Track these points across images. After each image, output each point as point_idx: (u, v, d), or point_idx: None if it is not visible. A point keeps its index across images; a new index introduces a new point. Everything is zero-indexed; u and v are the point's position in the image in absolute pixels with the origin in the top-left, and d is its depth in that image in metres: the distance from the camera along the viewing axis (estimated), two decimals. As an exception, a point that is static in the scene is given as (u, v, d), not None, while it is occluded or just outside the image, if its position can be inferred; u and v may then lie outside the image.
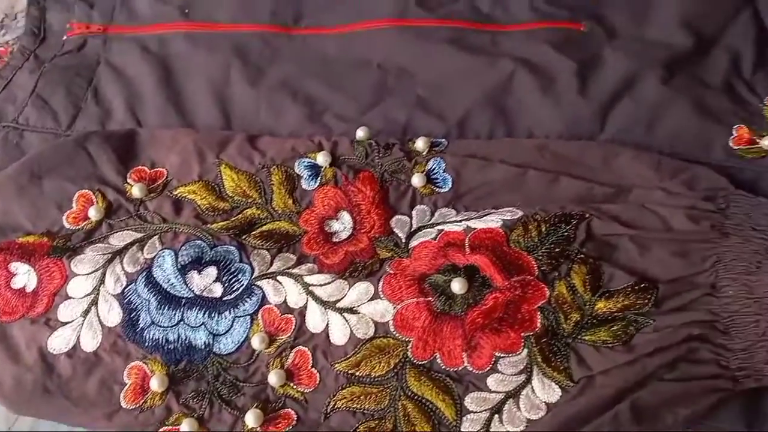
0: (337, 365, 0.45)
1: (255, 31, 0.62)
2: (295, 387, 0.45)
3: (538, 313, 0.45)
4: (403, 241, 0.49)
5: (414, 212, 0.51)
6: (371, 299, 0.46)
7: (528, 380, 0.43)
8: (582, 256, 0.46)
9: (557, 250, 0.46)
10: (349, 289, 0.46)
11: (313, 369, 0.45)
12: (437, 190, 0.52)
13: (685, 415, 0.43)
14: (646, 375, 0.42)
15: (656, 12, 0.61)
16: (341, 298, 0.46)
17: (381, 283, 0.46)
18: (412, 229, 0.50)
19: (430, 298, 0.45)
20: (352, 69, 0.60)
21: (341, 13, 0.63)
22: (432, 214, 0.51)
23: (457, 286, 0.45)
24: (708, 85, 0.56)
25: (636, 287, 0.45)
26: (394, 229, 0.50)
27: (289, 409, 0.44)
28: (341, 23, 0.62)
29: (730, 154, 0.53)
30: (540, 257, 0.46)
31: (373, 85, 0.59)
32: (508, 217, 0.48)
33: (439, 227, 0.49)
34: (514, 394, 0.43)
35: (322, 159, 0.52)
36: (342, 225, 0.50)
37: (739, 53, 0.58)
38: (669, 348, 0.43)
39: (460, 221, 0.49)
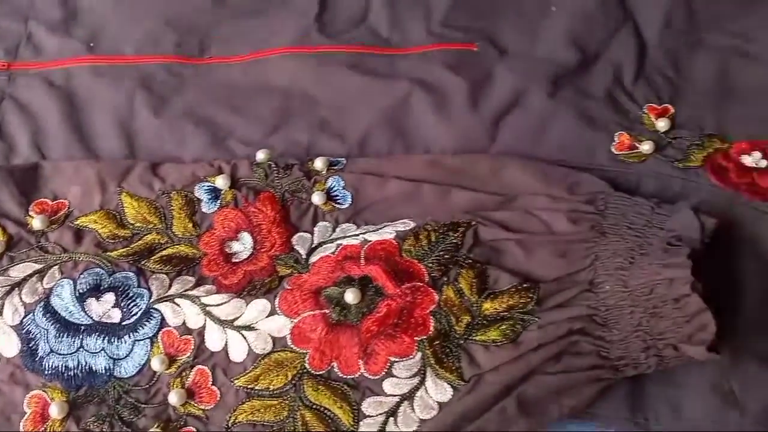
0: (236, 381, 0.46)
1: (160, 63, 0.64)
2: (196, 405, 0.45)
3: (431, 317, 0.47)
4: (304, 257, 0.51)
5: (316, 229, 0.53)
6: (268, 315, 0.47)
7: (422, 382, 0.45)
8: (470, 261, 0.48)
9: (446, 256, 0.49)
10: (246, 307, 0.48)
11: (214, 386, 0.46)
12: (338, 206, 0.53)
13: (570, 405, 0.45)
14: (531, 369, 0.44)
15: (545, 31, 0.65)
16: (239, 317, 0.47)
17: (277, 300, 0.48)
18: (313, 245, 0.52)
19: (325, 310, 0.47)
20: (256, 94, 0.62)
21: (246, 42, 0.65)
22: (333, 230, 0.53)
23: (351, 296, 0.47)
24: (591, 96, 0.60)
25: (519, 287, 0.47)
26: (296, 246, 0.52)
27: (191, 427, 0.45)
28: (246, 52, 0.65)
29: (613, 159, 0.57)
30: (430, 264, 0.48)
31: (277, 109, 0.61)
32: (401, 229, 0.51)
33: (339, 242, 0.51)
34: (408, 396, 0.45)
35: (221, 182, 0.53)
36: (242, 245, 0.52)
37: (621, 65, 0.62)
38: (552, 343, 0.45)
39: (358, 235, 0.51)
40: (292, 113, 0.61)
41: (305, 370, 0.46)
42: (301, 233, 0.52)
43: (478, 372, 0.45)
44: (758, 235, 0.53)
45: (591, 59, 0.63)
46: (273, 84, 0.63)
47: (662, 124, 0.58)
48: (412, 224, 0.51)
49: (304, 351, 0.46)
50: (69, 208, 0.53)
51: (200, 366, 0.46)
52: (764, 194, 0.54)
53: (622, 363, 0.45)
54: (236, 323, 0.47)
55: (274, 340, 0.47)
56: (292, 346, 0.46)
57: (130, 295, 0.48)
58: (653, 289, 0.45)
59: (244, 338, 0.46)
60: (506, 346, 0.45)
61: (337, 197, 0.54)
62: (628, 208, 0.51)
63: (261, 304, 0.48)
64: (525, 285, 0.47)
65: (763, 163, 0.55)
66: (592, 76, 0.62)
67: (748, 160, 0.56)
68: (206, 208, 0.53)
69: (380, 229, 0.51)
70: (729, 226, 0.53)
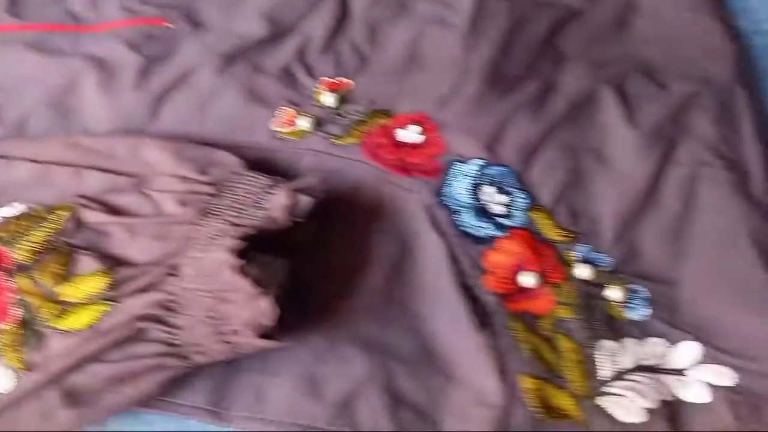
0: None
1: None
2: None
3: (13, 305, 0.45)
4: None
5: None
6: None
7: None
8: (61, 245, 0.46)
9: (38, 241, 0.46)
10: None
11: None
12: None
13: (131, 394, 0.42)
14: (84, 357, 0.42)
15: (245, 5, 0.62)
16: None
17: None
18: None
19: None
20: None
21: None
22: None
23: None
24: (265, 71, 0.58)
25: (100, 273, 0.45)
26: None
27: None
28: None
29: (273, 137, 0.54)
30: (20, 250, 0.46)
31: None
32: (5, 214, 0.48)
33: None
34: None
35: None
36: None
37: (311, 39, 0.60)
38: (119, 329, 0.43)
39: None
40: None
41: None
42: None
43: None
44: (397, 215, 0.50)
45: (282, 33, 0.60)
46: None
47: (330, 99, 0.55)
48: (21, 207, 0.49)
49: None
50: None
51: None
52: (410, 170, 0.51)
53: (192, 350, 0.43)
54: None
55: None
56: None
57: None
58: (219, 273, 0.43)
59: None
60: (82, 333, 0.43)
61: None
62: (246, 187, 0.48)
63: None
64: (104, 270, 0.45)
65: (419, 138, 0.53)
66: (274, 51, 0.59)
67: (402, 135, 0.53)
68: None
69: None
70: (377, 205, 0.51)
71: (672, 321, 0.47)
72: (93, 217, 0.48)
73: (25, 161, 0.51)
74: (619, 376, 0.46)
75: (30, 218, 0.48)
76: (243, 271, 0.41)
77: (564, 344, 0.47)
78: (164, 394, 0.44)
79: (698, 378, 0.46)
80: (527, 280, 0.48)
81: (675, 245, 0.50)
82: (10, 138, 0.55)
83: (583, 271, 0.49)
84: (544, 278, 0.48)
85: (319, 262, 0.49)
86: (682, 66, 0.58)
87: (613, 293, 0.48)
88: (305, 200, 0.46)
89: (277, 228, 0.45)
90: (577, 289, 0.48)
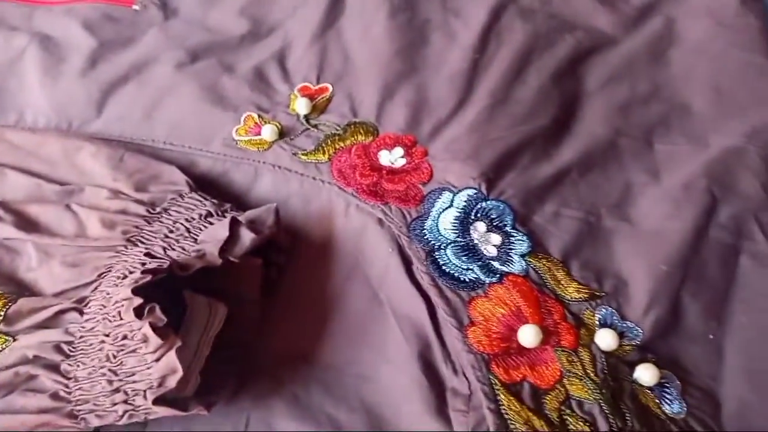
0: None
1: None
2: None
3: None
4: None
5: None
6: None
7: None
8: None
9: None
10: None
11: None
12: None
13: (7, 457, 0.35)
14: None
15: (224, -2, 0.54)
16: None
17: None
18: None
19: None
20: None
21: None
22: None
23: None
24: (234, 72, 0.50)
25: (5, 299, 0.37)
26: None
27: None
28: None
29: (231, 146, 0.46)
30: None
31: None
32: None
33: None
34: None
35: None
36: None
37: (293, 40, 0.51)
38: (5, 371, 0.35)
39: None
40: None
41: None
42: None
43: None
44: (365, 248, 0.42)
45: (262, 33, 0.52)
46: None
47: (302, 107, 0.47)
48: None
49: None
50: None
51: None
52: (382, 197, 0.43)
53: (86, 408, 0.35)
54: None
55: None
56: None
57: None
58: (123, 314, 0.34)
59: None
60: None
61: None
62: (185, 213, 0.40)
63: None
64: (3, 296, 0.37)
65: (400, 162, 0.44)
66: (249, 50, 0.51)
67: (384, 157, 0.44)
68: None
69: None
70: (341, 240, 0.43)
71: (714, 420, 0.36)
72: (4, 231, 0.40)
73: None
74: None
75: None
76: (149, 315, 0.33)
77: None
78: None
79: None
80: (528, 335, 0.36)
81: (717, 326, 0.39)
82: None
83: (606, 338, 0.37)
84: (550, 338, 0.37)
85: (266, 306, 0.40)
86: (725, 113, 0.47)
87: (647, 374, 0.36)
88: (247, 236, 0.37)
89: (208, 265, 0.36)
90: (597, 361, 0.37)
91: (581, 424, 0.35)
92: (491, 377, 0.36)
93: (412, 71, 0.49)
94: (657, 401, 0.36)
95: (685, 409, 0.36)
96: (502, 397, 0.35)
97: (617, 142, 0.46)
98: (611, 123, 0.47)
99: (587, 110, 0.48)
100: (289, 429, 0.37)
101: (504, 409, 0.35)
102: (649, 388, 0.36)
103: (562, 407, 0.35)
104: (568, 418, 0.35)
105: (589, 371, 0.36)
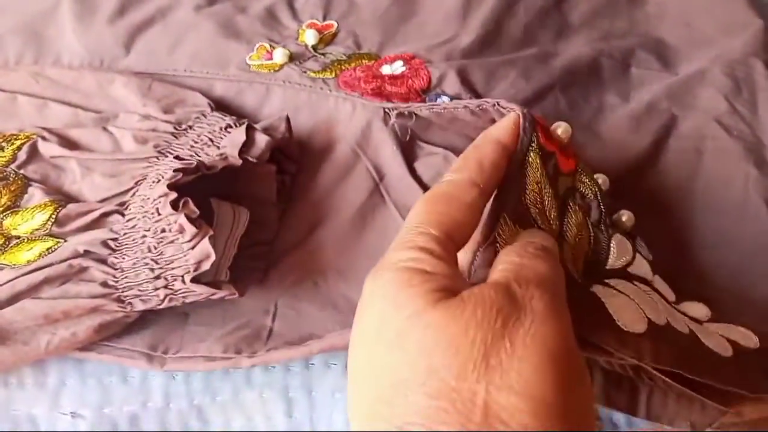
0: None
1: None
2: None
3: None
4: None
5: None
6: None
7: None
8: (15, 176, 0.44)
9: None
10: None
11: None
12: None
13: (65, 336, 0.40)
14: (16, 294, 0.40)
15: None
16: None
17: None
18: None
19: None
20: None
21: None
22: None
23: None
24: (246, 11, 0.55)
25: (48, 205, 0.43)
26: None
27: None
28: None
29: (245, 70, 0.51)
30: None
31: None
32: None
33: None
34: None
35: None
36: None
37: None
38: (56, 265, 0.41)
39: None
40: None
41: None
42: None
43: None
44: (368, 144, 0.47)
45: None
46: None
47: (310, 37, 0.51)
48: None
49: None
50: None
51: None
52: (389, 97, 0.47)
53: (131, 294, 0.40)
54: None
55: None
56: None
57: None
58: (161, 209, 0.40)
59: None
60: (22, 267, 0.41)
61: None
62: (207, 127, 0.45)
63: None
64: (51, 203, 0.43)
65: (400, 70, 0.49)
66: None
67: (385, 69, 0.50)
68: None
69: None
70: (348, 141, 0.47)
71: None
72: (49, 149, 0.46)
73: (-10, 89, 0.50)
74: (628, 276, 0.38)
75: (-5, 147, 0.46)
76: (184, 208, 0.38)
77: (574, 216, 0.37)
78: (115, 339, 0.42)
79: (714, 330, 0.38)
80: (561, 129, 0.38)
81: (679, 213, 0.45)
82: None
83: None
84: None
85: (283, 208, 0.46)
86: (695, 44, 0.52)
87: (625, 216, 0.41)
88: (262, 139, 0.42)
89: (229, 165, 0.41)
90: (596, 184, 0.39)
91: (577, 211, 0.37)
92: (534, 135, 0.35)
93: (411, 14, 0.54)
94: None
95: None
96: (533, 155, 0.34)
97: (599, 61, 0.51)
98: (595, 46, 0.52)
99: (573, 38, 0.53)
100: (312, 312, 0.42)
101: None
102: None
103: (568, 192, 0.37)
104: (570, 203, 0.37)
105: (591, 181, 0.39)
